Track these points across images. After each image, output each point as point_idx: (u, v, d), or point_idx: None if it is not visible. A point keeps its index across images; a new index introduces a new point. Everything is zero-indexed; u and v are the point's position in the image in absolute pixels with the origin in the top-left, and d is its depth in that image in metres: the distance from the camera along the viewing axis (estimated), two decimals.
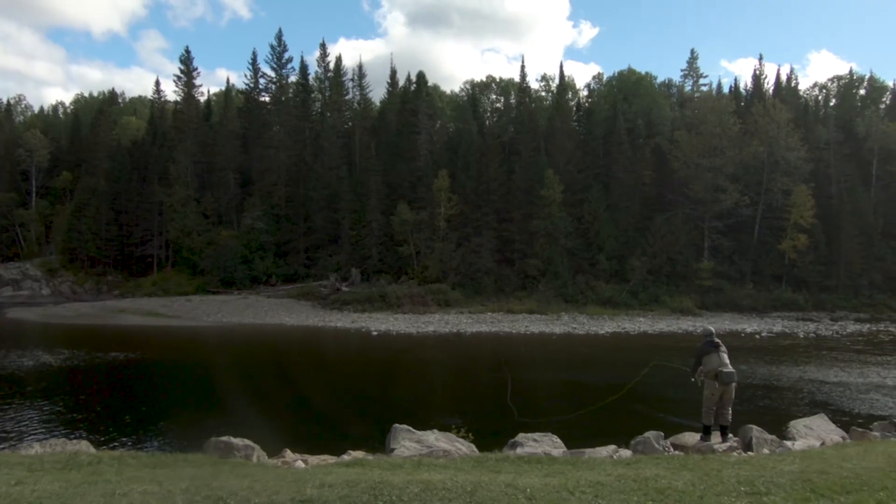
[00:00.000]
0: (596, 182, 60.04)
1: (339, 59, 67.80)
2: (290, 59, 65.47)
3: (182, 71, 66.71)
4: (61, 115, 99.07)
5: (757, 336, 38.35)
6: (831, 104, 79.67)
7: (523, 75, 66.62)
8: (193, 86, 67.43)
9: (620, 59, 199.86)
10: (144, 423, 16.92)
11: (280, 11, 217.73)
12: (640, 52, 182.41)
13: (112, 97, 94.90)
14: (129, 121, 76.08)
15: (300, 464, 8.28)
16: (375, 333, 37.92)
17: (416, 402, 20.47)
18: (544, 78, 75.03)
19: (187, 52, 67.65)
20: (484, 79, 77.98)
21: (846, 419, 16.82)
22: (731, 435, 9.95)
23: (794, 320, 48.29)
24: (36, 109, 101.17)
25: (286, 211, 61.03)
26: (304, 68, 65.77)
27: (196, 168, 64.56)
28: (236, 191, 63.36)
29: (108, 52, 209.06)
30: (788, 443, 9.69)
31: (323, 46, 66.32)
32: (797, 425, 10.78)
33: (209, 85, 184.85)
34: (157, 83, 65.95)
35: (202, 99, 72.80)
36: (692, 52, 69.78)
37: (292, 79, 67.11)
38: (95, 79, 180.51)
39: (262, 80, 67.31)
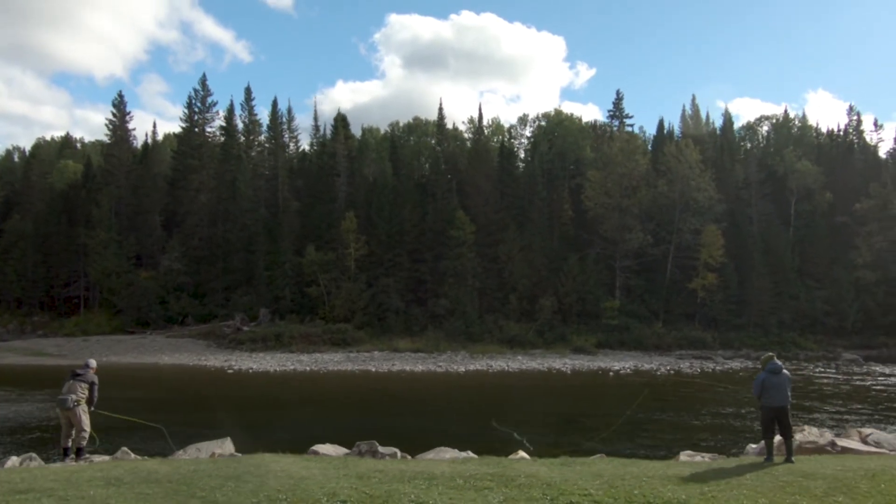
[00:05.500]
0: (513, 222, 60.64)
1: (274, 103, 69.15)
2: (214, 103, 67.10)
3: (114, 114, 68.19)
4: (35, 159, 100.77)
5: (611, 373, 38.39)
6: (763, 143, 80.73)
7: (441, 116, 67.87)
8: (126, 129, 68.88)
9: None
10: None
11: (279, 55, 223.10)
12: (638, 93, 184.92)
13: (67, 141, 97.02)
14: (67, 164, 77.53)
15: None
16: (231, 372, 38.24)
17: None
18: (471, 120, 76.09)
19: (120, 95, 69.25)
20: (411, 120, 79.06)
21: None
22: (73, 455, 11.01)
23: (688, 359, 48.31)
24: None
25: (205, 252, 61.72)
26: (230, 111, 67.17)
27: (126, 210, 65.57)
28: (161, 233, 64.25)
29: (110, 96, 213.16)
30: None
31: (248, 91, 67.73)
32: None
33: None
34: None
35: (139, 142, 74.39)
36: (618, 92, 70.69)
37: (221, 122, 68.52)
38: (98, 122, 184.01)
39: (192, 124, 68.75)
